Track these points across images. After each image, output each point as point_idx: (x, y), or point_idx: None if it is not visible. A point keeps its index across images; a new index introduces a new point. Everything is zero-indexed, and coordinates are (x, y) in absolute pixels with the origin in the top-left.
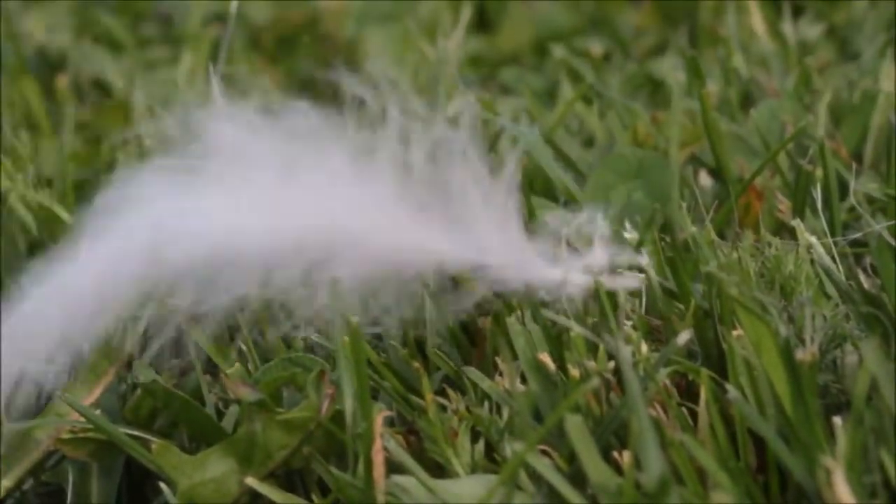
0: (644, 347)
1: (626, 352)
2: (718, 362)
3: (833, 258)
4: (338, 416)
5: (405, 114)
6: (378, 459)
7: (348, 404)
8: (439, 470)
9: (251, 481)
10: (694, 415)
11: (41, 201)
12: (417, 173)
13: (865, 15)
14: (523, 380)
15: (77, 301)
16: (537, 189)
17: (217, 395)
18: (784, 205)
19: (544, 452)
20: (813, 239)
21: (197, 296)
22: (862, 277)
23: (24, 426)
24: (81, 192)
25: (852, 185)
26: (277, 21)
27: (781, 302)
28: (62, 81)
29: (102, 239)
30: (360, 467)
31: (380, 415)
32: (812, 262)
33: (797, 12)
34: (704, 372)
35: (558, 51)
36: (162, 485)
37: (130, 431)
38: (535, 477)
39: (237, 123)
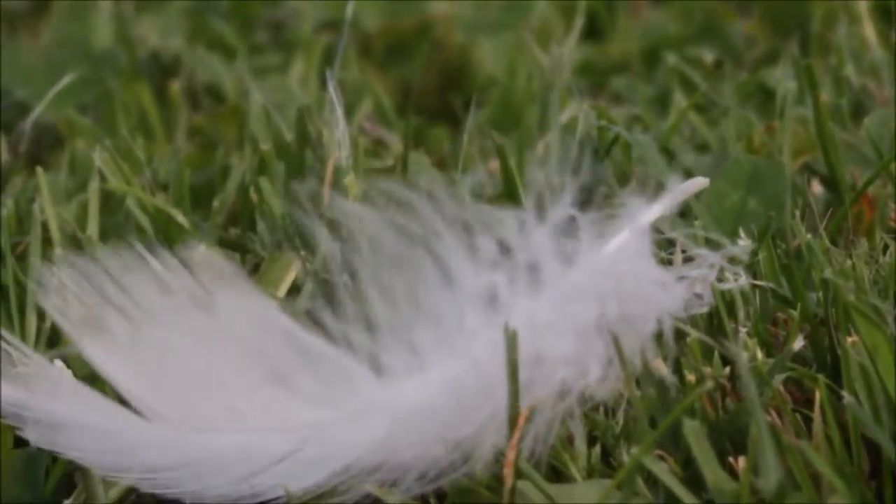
0: (759, 353)
1: (744, 357)
2: (832, 368)
3: None
4: None
5: None
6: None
7: None
8: (556, 474)
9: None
10: (807, 421)
11: (158, 205)
12: None
13: None
14: (638, 385)
15: None
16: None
17: None
18: None
19: (660, 457)
20: None
21: None
22: None
23: None
24: (197, 196)
25: None
26: (389, 28)
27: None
28: (175, 86)
29: None
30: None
31: None
32: None
33: None
34: (821, 378)
35: (671, 58)
36: None
37: None
38: (651, 482)
39: None
